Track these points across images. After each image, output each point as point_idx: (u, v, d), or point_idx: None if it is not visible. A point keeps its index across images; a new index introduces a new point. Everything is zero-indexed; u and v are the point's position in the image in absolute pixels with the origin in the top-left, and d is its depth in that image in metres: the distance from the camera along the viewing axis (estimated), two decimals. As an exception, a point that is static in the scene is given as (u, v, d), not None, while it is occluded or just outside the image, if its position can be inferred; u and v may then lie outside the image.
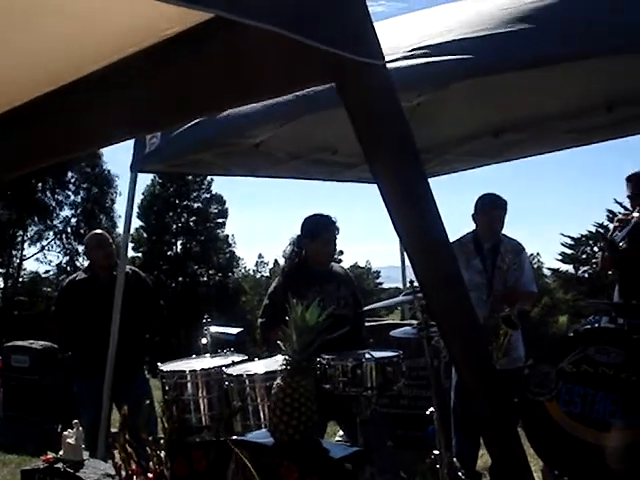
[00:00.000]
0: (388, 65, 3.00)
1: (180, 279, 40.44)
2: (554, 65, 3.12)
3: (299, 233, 4.67)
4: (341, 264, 5.72)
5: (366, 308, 4.69)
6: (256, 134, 4.08)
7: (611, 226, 5.77)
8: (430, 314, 2.63)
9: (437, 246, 1.96)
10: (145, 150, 4.38)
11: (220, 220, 42.12)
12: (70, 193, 36.63)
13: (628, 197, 5.42)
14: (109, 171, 36.31)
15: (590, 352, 3.96)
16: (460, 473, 4.47)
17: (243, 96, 2.26)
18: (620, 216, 6.06)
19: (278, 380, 2.72)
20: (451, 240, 5.23)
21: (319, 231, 4.62)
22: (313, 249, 4.63)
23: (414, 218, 1.92)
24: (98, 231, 5.92)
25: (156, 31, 2.08)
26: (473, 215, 5.17)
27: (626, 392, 3.82)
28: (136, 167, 4.65)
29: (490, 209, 5.11)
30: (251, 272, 51.41)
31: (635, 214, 5.04)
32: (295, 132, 4.42)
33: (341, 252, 47.13)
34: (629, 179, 5.42)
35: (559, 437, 3.99)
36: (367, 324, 5.36)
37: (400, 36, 3.37)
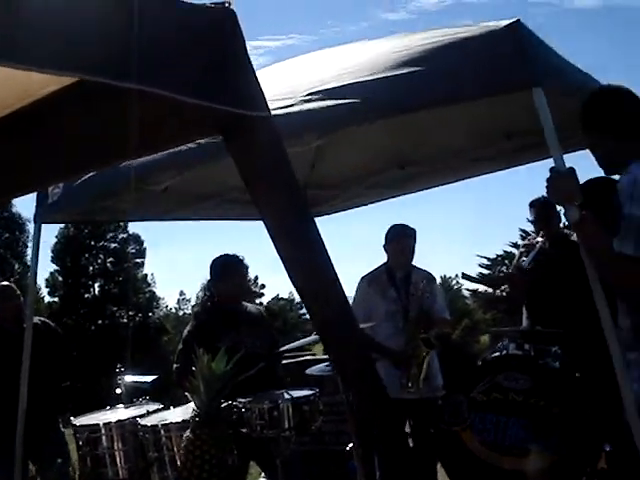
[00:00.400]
0: (286, 110, 3.06)
1: (99, 322, 39.58)
2: (443, 106, 3.23)
3: (209, 277, 4.68)
4: (261, 299, 5.74)
5: (282, 349, 4.68)
6: (159, 181, 4.05)
7: (516, 252, 5.93)
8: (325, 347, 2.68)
9: (324, 284, 2.06)
10: (48, 201, 4.29)
11: (138, 260, 41.56)
12: (-20, 239, 35.59)
13: (531, 222, 5.58)
14: (20, 215, 35.42)
15: (499, 379, 4.05)
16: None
17: (140, 149, 2.28)
18: (525, 242, 6.24)
19: (187, 432, 2.68)
20: (365, 273, 5.29)
21: (227, 271, 4.64)
22: (224, 290, 4.63)
23: (300, 258, 2.04)
24: (4, 283, 5.75)
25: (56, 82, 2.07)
26: (384, 246, 5.29)
27: (535, 417, 3.91)
28: (39, 219, 4.54)
29: (400, 239, 5.25)
30: (173, 310, 50.75)
31: (539, 239, 5.20)
32: (203, 174, 4.39)
33: (263, 286, 47.06)
34: (532, 204, 5.59)
35: (475, 466, 4.04)
36: (287, 361, 5.35)
37: (299, 79, 3.43)
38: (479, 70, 2.96)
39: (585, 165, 3.23)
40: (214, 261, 4.69)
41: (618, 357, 2.71)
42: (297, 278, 2.09)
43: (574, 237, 3.47)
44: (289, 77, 3.58)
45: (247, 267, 4.69)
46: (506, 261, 31.84)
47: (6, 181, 2.64)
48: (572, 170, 2.84)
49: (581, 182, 2.93)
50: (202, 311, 4.71)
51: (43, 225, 4.67)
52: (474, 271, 36.52)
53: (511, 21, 3.00)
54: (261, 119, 1.98)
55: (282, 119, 3.10)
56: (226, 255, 4.73)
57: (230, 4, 1.97)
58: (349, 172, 5.68)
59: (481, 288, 37.24)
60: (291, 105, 3.07)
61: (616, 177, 2.89)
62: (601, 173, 3.06)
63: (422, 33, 3.38)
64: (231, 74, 1.94)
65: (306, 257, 2.09)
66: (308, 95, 3.10)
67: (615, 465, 3.81)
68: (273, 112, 3.12)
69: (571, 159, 3.38)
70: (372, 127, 4.07)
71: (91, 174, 3.72)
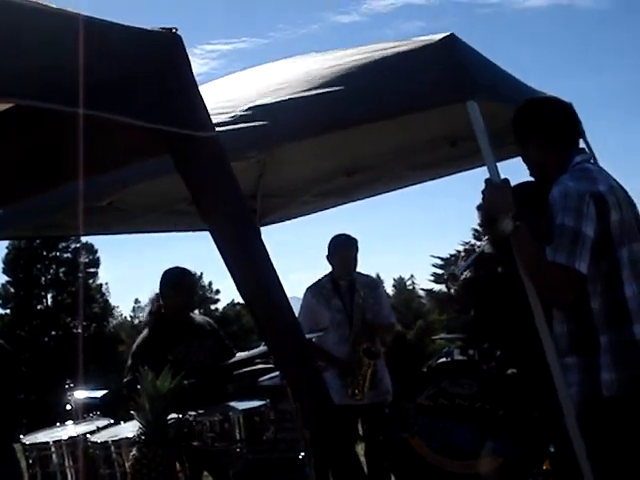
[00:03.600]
0: (226, 128, 3.09)
1: (53, 333, 38.99)
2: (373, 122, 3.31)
3: (157, 290, 4.68)
4: (216, 304, 5.75)
5: (232, 361, 4.68)
6: (103, 196, 4.04)
7: (460, 252, 5.98)
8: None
9: (268, 293, 2.14)
10: (-9, 218, 4.25)
11: (92, 269, 41.02)
12: None
13: (479, 225, 5.66)
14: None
15: (445, 385, 4.12)
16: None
17: (89, 171, 2.30)
18: (467, 246, 6.30)
19: (134, 451, 2.69)
20: (311, 283, 5.33)
21: (177, 284, 4.65)
22: (174, 300, 4.64)
23: (244, 268, 2.13)
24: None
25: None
26: (327, 256, 5.36)
27: (482, 421, 3.99)
28: (-17, 235, 4.51)
29: (342, 249, 5.35)
30: (128, 319, 50.21)
31: (480, 243, 5.27)
32: (148, 187, 4.39)
33: (217, 291, 46.77)
34: (479, 207, 5.65)
35: (425, 471, 4.11)
36: (240, 371, 5.35)
37: (241, 92, 3.50)
38: (409, 86, 3.03)
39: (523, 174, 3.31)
40: (164, 274, 4.70)
41: (554, 363, 2.79)
42: (243, 287, 2.14)
43: None
44: (226, 92, 3.62)
45: (197, 279, 4.71)
46: (459, 261, 32.06)
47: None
48: (506, 181, 2.91)
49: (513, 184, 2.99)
50: (151, 325, 4.68)
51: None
52: (428, 271, 36.84)
53: (445, 35, 3.08)
54: (208, 138, 2.04)
55: (223, 135, 3.14)
56: (176, 268, 4.74)
57: (177, 30, 2.03)
58: (297, 181, 5.73)
59: (436, 287, 37.62)
60: (230, 121, 3.10)
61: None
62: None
63: (357, 48, 3.46)
64: (177, 96, 2.01)
65: (251, 267, 2.16)
66: (247, 110, 3.15)
67: (558, 466, 3.90)
68: (218, 128, 3.18)
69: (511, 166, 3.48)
70: (318, 137, 4.13)
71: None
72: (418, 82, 3.05)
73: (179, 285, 4.64)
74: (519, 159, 3.14)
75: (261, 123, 3.05)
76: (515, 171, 3.28)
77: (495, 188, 2.90)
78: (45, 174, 2.45)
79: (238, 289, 2.13)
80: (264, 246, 2.18)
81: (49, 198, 3.79)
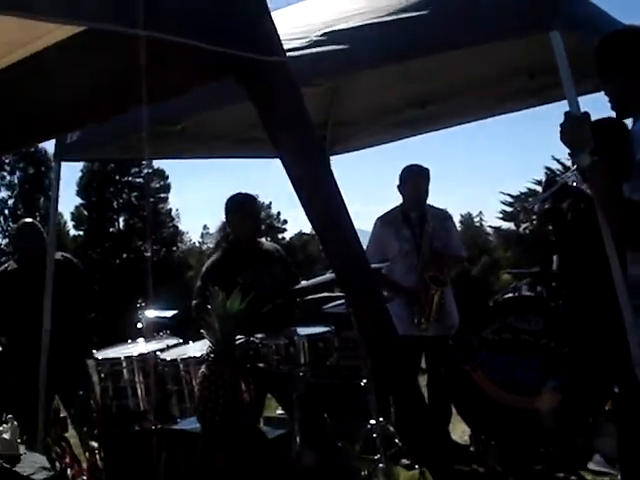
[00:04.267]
0: (299, 53, 3.07)
1: (124, 256, 39.99)
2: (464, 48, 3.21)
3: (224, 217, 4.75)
4: (284, 234, 5.83)
5: (298, 286, 4.74)
6: (176, 121, 4.08)
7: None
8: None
9: (336, 222, 2.16)
10: (67, 140, 4.35)
11: (162, 195, 41.69)
12: (6, 174, 35.76)
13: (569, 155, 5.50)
14: (46, 151, 35.51)
15: (510, 320, 4.10)
16: (396, 440, 4.61)
17: (160, 94, 2.32)
18: (548, 177, 6.14)
19: (202, 368, 2.77)
20: (381, 214, 5.33)
21: (242, 207, 4.71)
22: (239, 226, 4.70)
23: (314, 197, 2.16)
24: (28, 220, 5.82)
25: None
26: (398, 186, 5.35)
27: (545, 357, 3.97)
28: (59, 156, 4.61)
29: (413, 179, 5.31)
30: (197, 244, 51.13)
31: (568, 174, 5.11)
32: (220, 114, 4.42)
33: (285, 221, 47.12)
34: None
35: (484, 404, 4.13)
36: (307, 298, 5.42)
37: (311, 19, 3.44)
38: (492, 13, 2.93)
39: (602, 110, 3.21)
40: (228, 200, 4.75)
41: (625, 304, 2.74)
42: (311, 214, 2.16)
43: None
44: (302, 18, 3.57)
45: (261, 205, 4.77)
46: (530, 198, 31.53)
47: (29, 127, 2.69)
48: (586, 115, 2.83)
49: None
50: (218, 250, 4.76)
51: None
52: (497, 208, 36.31)
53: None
54: (277, 63, 2.03)
55: (295, 61, 3.12)
56: (239, 194, 4.78)
57: None
58: (369, 110, 5.68)
59: (504, 225, 37.09)
60: (305, 47, 3.07)
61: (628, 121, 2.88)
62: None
63: None
64: (249, 20, 1.99)
65: (318, 194, 2.17)
66: (322, 35, 3.10)
67: (620, 407, 3.87)
68: (291, 53, 3.15)
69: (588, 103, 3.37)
70: (393, 66, 4.07)
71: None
72: (502, 10, 2.95)
73: (243, 211, 4.69)
74: (596, 95, 3.05)
75: (337, 47, 3.01)
76: (592, 108, 3.16)
77: (574, 121, 2.82)
78: (116, 97, 2.48)
79: (307, 215, 2.15)
80: (332, 175, 2.19)
81: (122, 121, 3.87)
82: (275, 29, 2.06)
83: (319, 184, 2.17)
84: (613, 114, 3.04)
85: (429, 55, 3.26)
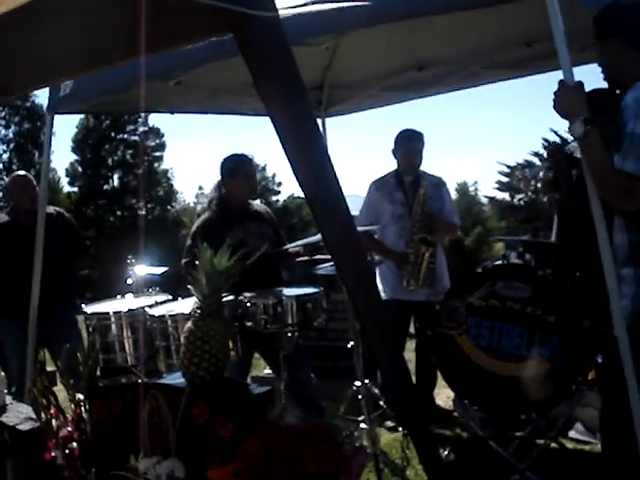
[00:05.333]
0: (299, 10, 3.04)
1: (118, 213, 39.96)
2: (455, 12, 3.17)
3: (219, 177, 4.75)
4: (278, 196, 5.84)
5: (288, 246, 4.76)
6: (172, 75, 4.06)
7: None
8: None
9: (323, 185, 2.15)
10: (60, 92, 4.32)
11: (158, 153, 41.50)
12: (1, 128, 35.54)
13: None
14: (42, 106, 35.20)
15: (498, 287, 4.11)
16: (381, 403, 4.66)
17: (153, 45, 2.30)
18: (551, 147, 6.09)
19: (189, 324, 2.78)
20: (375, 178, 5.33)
21: (237, 168, 4.71)
22: (233, 186, 4.70)
23: (300, 154, 2.13)
24: (21, 173, 5.80)
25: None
26: (393, 150, 5.37)
27: (531, 325, 4.00)
28: (52, 109, 4.58)
29: (408, 142, 5.34)
30: (191, 205, 51.03)
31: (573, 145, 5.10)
32: (217, 69, 4.38)
33: (280, 184, 47.04)
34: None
35: (468, 369, 4.16)
36: (298, 259, 5.44)
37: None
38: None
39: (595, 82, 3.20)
40: (224, 161, 4.76)
41: (610, 272, 2.76)
42: (300, 179, 2.16)
43: None
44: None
45: (256, 166, 4.76)
46: (526, 169, 31.59)
47: (23, 72, 2.67)
48: (580, 84, 2.82)
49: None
50: (211, 207, 4.76)
51: (64, 116, 4.74)
52: (493, 178, 36.25)
53: None
54: (268, 19, 2.01)
55: (296, 19, 3.09)
56: (235, 155, 4.78)
57: None
58: (366, 73, 5.64)
59: (499, 195, 37.00)
60: (304, 4, 3.04)
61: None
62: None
63: None
64: None
65: (305, 153, 2.17)
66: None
67: (604, 377, 3.91)
68: (287, 11, 3.12)
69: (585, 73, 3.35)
70: (390, 28, 4.02)
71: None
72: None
73: (237, 171, 4.69)
74: (594, 67, 3.03)
75: (334, 6, 2.97)
76: (589, 79, 3.14)
77: (568, 90, 2.81)
78: (111, 47, 2.45)
79: (295, 178, 2.14)
80: (320, 135, 2.18)
81: (115, 74, 3.84)
82: None
83: (308, 148, 2.16)
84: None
85: (419, 17, 3.22)
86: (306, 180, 2.16)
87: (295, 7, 3.05)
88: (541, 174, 4.92)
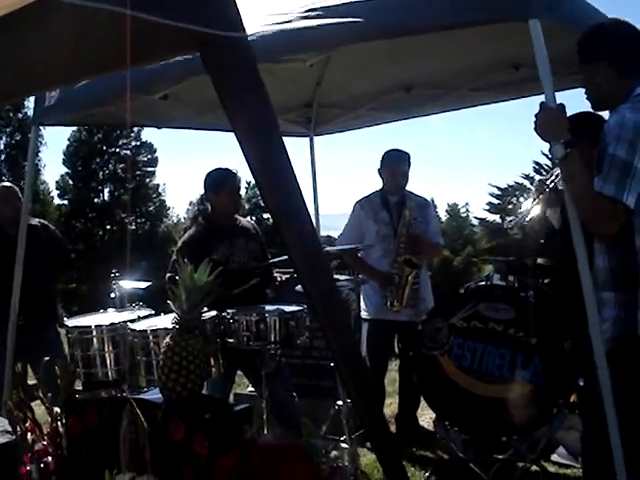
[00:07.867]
0: (283, 27, 3.04)
1: (108, 227, 39.82)
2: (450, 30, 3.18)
3: (203, 192, 4.74)
4: (251, 217, 5.83)
5: (274, 260, 4.75)
6: (156, 89, 4.05)
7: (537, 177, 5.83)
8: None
9: (290, 206, 2.15)
10: (45, 103, 4.31)
11: (150, 169, 41.40)
12: (-10, 139, 35.49)
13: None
14: (33, 117, 35.18)
15: (480, 308, 4.12)
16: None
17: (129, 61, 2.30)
18: (537, 183, 6.07)
19: (167, 339, 2.77)
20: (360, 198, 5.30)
21: (221, 183, 4.67)
22: (218, 202, 4.68)
23: (269, 174, 2.12)
24: (6, 184, 5.78)
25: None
26: (379, 170, 5.39)
27: (513, 347, 4.00)
28: (37, 120, 4.58)
29: (393, 163, 5.37)
30: (182, 220, 50.86)
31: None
32: (204, 83, 4.40)
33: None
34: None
35: (450, 390, 4.16)
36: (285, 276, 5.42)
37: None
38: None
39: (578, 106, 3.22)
40: (208, 175, 4.72)
41: (590, 296, 2.76)
42: (265, 197, 2.15)
43: None
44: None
45: (239, 180, 4.75)
46: (517, 192, 31.68)
47: (6, 82, 2.66)
48: (562, 107, 2.83)
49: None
50: (196, 224, 4.75)
51: (57, 128, 4.74)
52: (484, 200, 36.39)
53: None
54: (235, 39, 2.02)
55: (280, 35, 3.10)
56: (219, 169, 4.74)
57: None
58: (355, 92, 5.67)
59: (490, 217, 37.16)
60: (288, 21, 3.05)
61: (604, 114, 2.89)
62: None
63: None
64: None
65: (271, 178, 2.15)
66: (306, 12, 3.08)
67: (584, 400, 3.91)
68: (271, 28, 3.13)
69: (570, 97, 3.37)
70: (379, 48, 4.05)
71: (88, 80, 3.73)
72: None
73: (221, 186, 4.66)
74: (578, 91, 3.05)
75: (319, 23, 2.98)
76: (573, 104, 3.16)
77: (549, 112, 2.82)
78: (97, 59, 2.45)
79: (261, 195, 2.14)
80: (288, 157, 2.16)
81: (103, 84, 3.83)
82: (234, 3, 2.04)
83: (270, 163, 2.14)
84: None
85: (417, 34, 3.24)
86: (269, 197, 2.15)
87: (281, 23, 3.05)
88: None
